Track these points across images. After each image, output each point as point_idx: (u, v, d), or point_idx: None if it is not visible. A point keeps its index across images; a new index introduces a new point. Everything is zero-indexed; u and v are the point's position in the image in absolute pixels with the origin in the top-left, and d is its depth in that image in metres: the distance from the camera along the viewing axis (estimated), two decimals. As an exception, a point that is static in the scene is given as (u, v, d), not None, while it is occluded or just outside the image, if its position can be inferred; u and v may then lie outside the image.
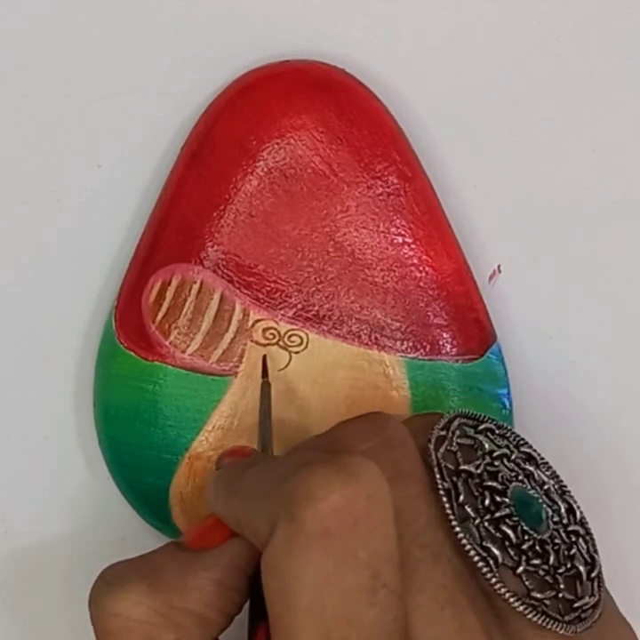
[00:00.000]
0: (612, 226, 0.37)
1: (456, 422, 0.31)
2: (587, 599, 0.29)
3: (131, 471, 0.36)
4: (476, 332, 0.36)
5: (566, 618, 0.28)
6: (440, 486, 0.29)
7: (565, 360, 0.37)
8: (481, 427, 0.31)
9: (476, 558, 0.28)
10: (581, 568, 0.29)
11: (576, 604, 0.29)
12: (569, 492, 0.32)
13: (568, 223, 0.37)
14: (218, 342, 0.35)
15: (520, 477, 0.30)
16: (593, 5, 0.37)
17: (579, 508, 0.31)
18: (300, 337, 0.35)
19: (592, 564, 0.30)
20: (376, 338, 0.35)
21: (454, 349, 0.35)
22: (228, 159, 0.35)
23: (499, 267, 0.37)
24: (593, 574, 0.30)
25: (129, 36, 0.37)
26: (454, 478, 0.29)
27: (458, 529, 0.28)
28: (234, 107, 0.35)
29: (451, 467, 0.29)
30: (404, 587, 0.26)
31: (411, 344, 0.35)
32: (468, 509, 0.29)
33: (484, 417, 0.32)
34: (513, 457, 0.31)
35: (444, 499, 0.28)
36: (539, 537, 0.29)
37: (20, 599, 0.37)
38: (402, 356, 0.35)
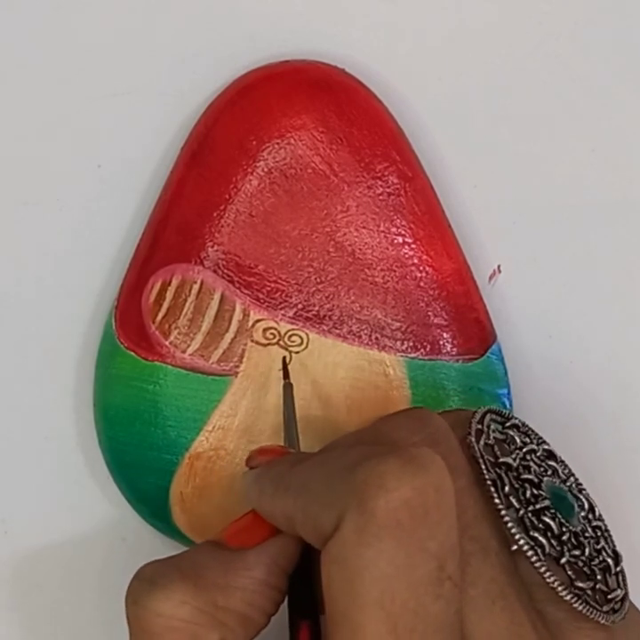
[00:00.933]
0: (612, 226, 0.37)
1: (488, 417, 0.31)
2: (618, 591, 0.29)
3: (131, 471, 0.36)
4: (476, 332, 0.36)
5: (605, 608, 0.28)
6: (487, 477, 0.29)
7: (565, 360, 0.37)
8: (508, 423, 0.32)
9: (526, 547, 0.28)
10: (610, 561, 0.30)
11: (610, 596, 0.29)
12: (585, 490, 0.32)
13: (568, 223, 0.37)
14: (218, 342, 0.35)
15: (549, 473, 0.31)
16: (593, 5, 0.37)
17: (596, 505, 0.32)
18: (301, 337, 0.35)
19: (616, 558, 0.30)
20: (376, 338, 0.35)
21: (454, 349, 0.35)
22: (228, 159, 0.35)
23: (499, 267, 0.37)
24: (618, 568, 0.30)
25: (129, 36, 0.37)
26: (497, 470, 0.29)
27: (507, 518, 0.28)
28: (234, 107, 0.35)
29: (491, 459, 0.30)
30: None
31: (411, 344, 0.35)
32: (513, 500, 0.29)
33: (509, 414, 0.32)
34: (538, 453, 0.31)
35: (492, 489, 0.29)
36: (573, 529, 0.29)
37: (20, 599, 0.37)
38: (402, 356, 0.35)
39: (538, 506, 0.29)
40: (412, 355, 0.35)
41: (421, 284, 0.35)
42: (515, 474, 0.30)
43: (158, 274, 0.35)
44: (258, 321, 0.35)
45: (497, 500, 0.28)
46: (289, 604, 0.29)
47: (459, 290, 0.36)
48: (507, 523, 0.28)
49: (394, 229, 0.35)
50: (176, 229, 0.35)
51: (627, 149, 0.37)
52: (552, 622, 0.28)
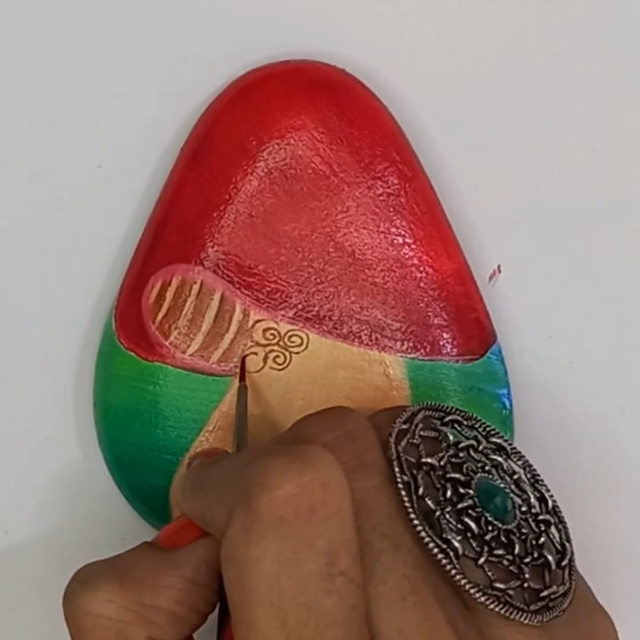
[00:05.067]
0: (612, 226, 0.37)
1: (420, 415, 0.31)
2: (555, 588, 0.29)
3: (131, 471, 0.36)
4: (476, 332, 0.36)
5: (532, 607, 0.28)
6: (399, 479, 0.29)
7: (565, 360, 0.37)
8: (447, 419, 0.32)
9: (436, 550, 0.28)
10: (550, 557, 0.29)
11: (543, 594, 0.29)
12: (542, 480, 0.32)
13: (568, 223, 0.37)
14: (218, 343, 0.35)
15: (487, 468, 0.31)
16: (593, 5, 0.37)
17: (551, 496, 0.31)
18: (301, 337, 0.35)
19: (563, 552, 0.30)
20: (376, 338, 0.35)
21: (454, 349, 0.35)
22: (228, 159, 0.35)
23: (499, 267, 0.37)
24: (563, 563, 0.30)
25: (129, 36, 0.37)
26: (414, 471, 0.29)
27: (416, 522, 0.28)
28: (234, 107, 0.35)
29: (412, 459, 0.30)
30: (366, 577, 0.26)
31: (411, 344, 0.35)
32: (429, 502, 0.29)
33: (451, 409, 0.32)
34: (480, 448, 0.31)
35: (403, 492, 0.29)
36: (503, 527, 0.29)
37: (20, 599, 0.37)
38: (402, 357, 0.35)
39: (460, 506, 0.29)
40: (412, 355, 0.35)
41: (421, 284, 0.35)
42: (439, 473, 0.30)
43: (158, 274, 0.35)
44: (258, 321, 0.35)
45: (407, 504, 0.28)
46: (220, 602, 0.29)
47: (459, 290, 0.36)
48: (415, 526, 0.28)
49: (394, 229, 0.35)
50: (176, 229, 0.35)
51: (627, 149, 0.37)
52: (482, 620, 0.28)
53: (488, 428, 0.32)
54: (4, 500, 0.37)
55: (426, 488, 0.29)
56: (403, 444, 0.30)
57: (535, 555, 0.29)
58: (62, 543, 0.37)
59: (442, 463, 0.30)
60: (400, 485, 0.29)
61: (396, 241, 0.35)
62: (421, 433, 0.30)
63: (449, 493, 0.29)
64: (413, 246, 0.35)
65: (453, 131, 0.37)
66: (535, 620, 0.28)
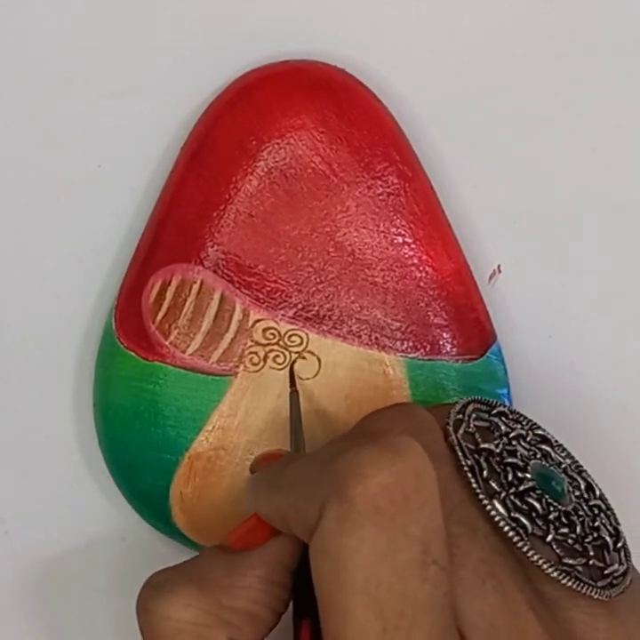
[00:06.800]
0: (612, 226, 0.37)
1: (470, 407, 0.32)
2: (616, 566, 0.29)
3: (131, 471, 0.36)
4: (476, 332, 0.36)
5: (599, 583, 0.29)
6: (463, 464, 0.29)
7: (565, 360, 0.37)
8: (494, 411, 0.32)
9: (507, 528, 0.28)
10: (607, 538, 0.30)
11: (606, 571, 0.29)
12: (585, 471, 0.32)
13: (568, 223, 0.37)
14: (218, 342, 0.35)
15: (538, 456, 0.31)
16: (593, 5, 0.37)
17: (597, 485, 0.32)
18: (300, 337, 0.35)
19: (617, 535, 0.31)
20: (376, 338, 0.35)
21: (454, 349, 0.35)
22: (228, 159, 0.35)
23: (499, 267, 0.37)
24: (619, 545, 0.30)
25: (129, 36, 0.37)
26: (476, 456, 0.30)
27: (486, 502, 0.29)
28: (234, 107, 0.35)
29: (471, 446, 0.30)
30: None
31: (411, 344, 0.35)
32: (493, 484, 0.29)
33: (497, 402, 0.32)
34: (528, 438, 0.32)
35: (469, 474, 0.29)
36: (563, 508, 0.30)
37: (20, 599, 0.37)
38: (402, 356, 0.35)
39: (521, 488, 0.29)
40: (412, 355, 0.35)
41: (421, 283, 0.35)
42: (497, 459, 0.30)
43: (158, 274, 0.35)
44: (258, 321, 0.35)
45: (474, 485, 0.29)
46: (293, 603, 0.29)
47: (459, 290, 0.36)
48: (485, 505, 0.29)
49: (394, 229, 0.35)
50: (176, 229, 0.35)
51: (627, 149, 0.37)
52: (550, 601, 0.28)
53: (531, 422, 0.33)
54: (4, 500, 0.37)
55: (488, 471, 0.30)
56: (460, 432, 0.30)
57: (594, 535, 0.30)
58: (62, 543, 0.37)
59: (498, 450, 0.30)
60: (465, 469, 0.29)
61: (395, 241, 0.35)
62: (475, 423, 0.31)
63: (510, 477, 0.30)
64: (413, 246, 0.35)
65: (453, 131, 0.37)
66: (605, 595, 0.28)
